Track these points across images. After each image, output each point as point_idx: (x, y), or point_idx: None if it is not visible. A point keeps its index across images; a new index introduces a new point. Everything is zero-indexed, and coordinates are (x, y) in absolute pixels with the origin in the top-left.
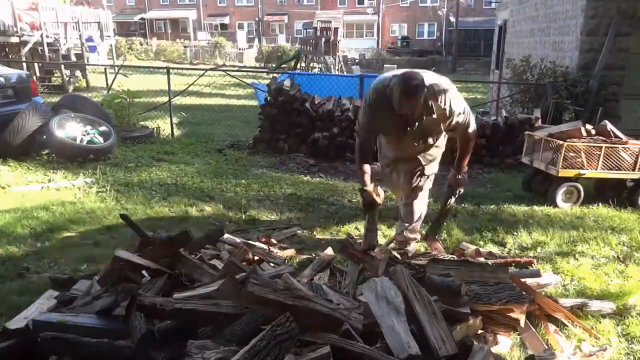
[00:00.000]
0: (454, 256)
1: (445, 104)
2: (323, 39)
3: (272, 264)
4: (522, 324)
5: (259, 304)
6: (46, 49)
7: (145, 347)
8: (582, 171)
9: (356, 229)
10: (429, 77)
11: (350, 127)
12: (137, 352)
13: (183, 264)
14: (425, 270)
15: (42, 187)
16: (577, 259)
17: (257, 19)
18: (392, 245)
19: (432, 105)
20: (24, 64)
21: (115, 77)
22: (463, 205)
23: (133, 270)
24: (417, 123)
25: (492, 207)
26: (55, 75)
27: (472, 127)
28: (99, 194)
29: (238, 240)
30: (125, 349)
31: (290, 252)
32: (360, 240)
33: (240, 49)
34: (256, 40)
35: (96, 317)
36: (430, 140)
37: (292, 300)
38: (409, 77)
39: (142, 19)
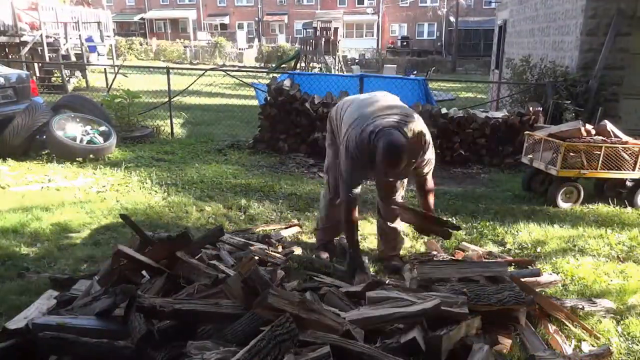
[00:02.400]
0: (452, 256)
1: (424, 153)
2: (323, 39)
3: (270, 264)
4: (522, 323)
5: (273, 313)
6: (46, 49)
7: (145, 347)
8: (582, 171)
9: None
10: (413, 125)
11: None
12: (136, 352)
13: (180, 266)
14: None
15: (42, 187)
16: (577, 259)
17: (257, 18)
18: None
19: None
20: (24, 64)
21: (115, 77)
22: (461, 203)
23: (133, 270)
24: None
25: (492, 207)
26: (55, 75)
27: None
28: (99, 194)
29: (238, 240)
30: (125, 349)
31: (289, 252)
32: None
33: (240, 49)
34: (256, 40)
35: (95, 318)
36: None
37: (306, 314)
38: (390, 144)
39: (142, 19)
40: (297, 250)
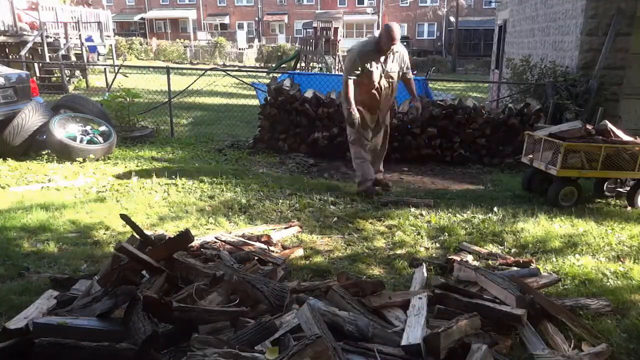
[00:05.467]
0: (449, 259)
1: (404, 51)
2: (323, 39)
3: (270, 264)
4: (522, 323)
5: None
6: (46, 49)
7: (149, 349)
8: (582, 171)
9: (357, 229)
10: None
11: None
12: (140, 354)
13: (178, 266)
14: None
15: (42, 187)
16: (577, 259)
17: (257, 18)
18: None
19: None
20: (24, 64)
21: (115, 77)
22: (461, 203)
23: (133, 270)
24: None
25: (492, 207)
26: (55, 75)
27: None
28: (99, 194)
29: (238, 240)
30: (127, 350)
31: (289, 251)
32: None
33: (240, 49)
34: (256, 40)
35: (96, 319)
36: (394, 84)
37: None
38: (391, 25)
39: (142, 18)
40: (298, 250)
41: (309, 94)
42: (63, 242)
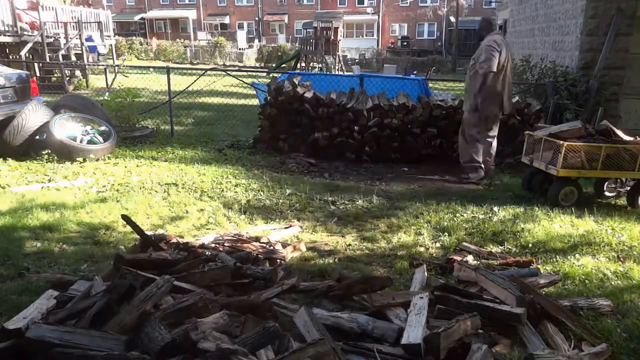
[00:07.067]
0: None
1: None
2: (323, 39)
3: (270, 264)
4: (522, 323)
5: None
6: (46, 49)
7: (165, 358)
8: (582, 171)
9: (357, 229)
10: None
11: (350, 127)
12: None
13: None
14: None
15: (42, 187)
16: (577, 259)
17: (257, 18)
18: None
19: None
20: (24, 64)
21: (115, 77)
22: (462, 203)
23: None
24: None
25: (492, 207)
26: (56, 75)
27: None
28: (99, 194)
29: (237, 240)
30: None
31: (289, 251)
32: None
33: (240, 49)
34: (256, 40)
35: (92, 336)
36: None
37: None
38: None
39: (142, 18)
40: (297, 250)
41: (309, 94)
42: (63, 242)
